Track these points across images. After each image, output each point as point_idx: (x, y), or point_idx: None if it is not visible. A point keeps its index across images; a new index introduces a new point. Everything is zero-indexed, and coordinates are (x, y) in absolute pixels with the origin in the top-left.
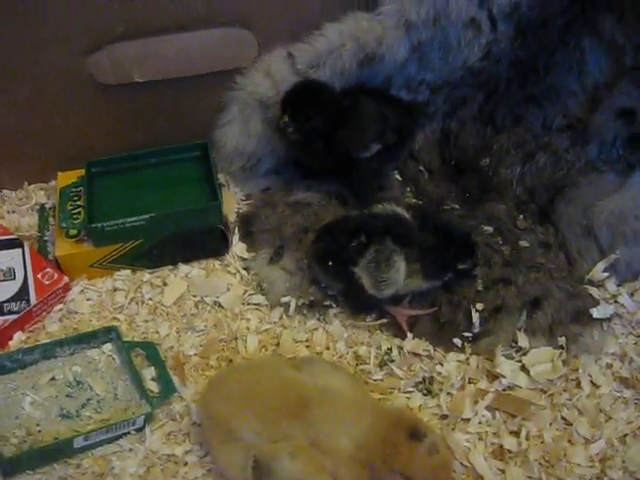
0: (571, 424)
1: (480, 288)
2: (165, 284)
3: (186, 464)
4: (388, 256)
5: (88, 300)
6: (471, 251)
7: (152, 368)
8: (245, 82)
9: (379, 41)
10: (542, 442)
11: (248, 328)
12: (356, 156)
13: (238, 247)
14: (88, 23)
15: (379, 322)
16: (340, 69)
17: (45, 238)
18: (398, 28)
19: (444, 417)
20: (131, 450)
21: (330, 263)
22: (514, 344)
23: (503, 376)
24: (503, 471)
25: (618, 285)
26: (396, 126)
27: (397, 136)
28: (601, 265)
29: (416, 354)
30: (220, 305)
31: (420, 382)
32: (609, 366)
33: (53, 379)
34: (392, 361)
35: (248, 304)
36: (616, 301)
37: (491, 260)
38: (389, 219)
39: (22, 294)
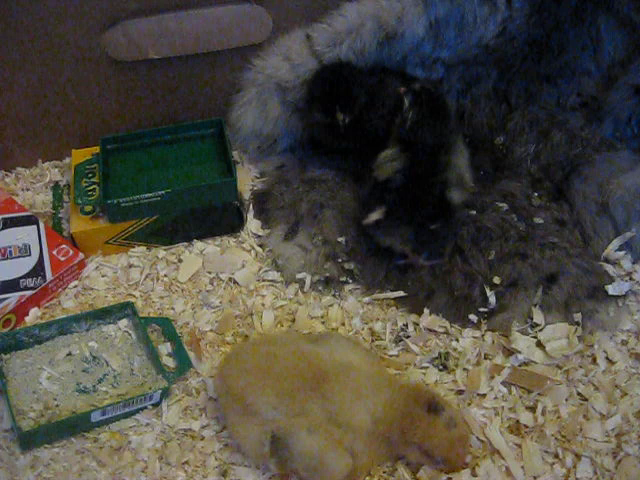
0: (587, 399)
1: (491, 257)
2: (180, 261)
3: (203, 439)
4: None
5: (103, 276)
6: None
7: (168, 344)
8: (263, 65)
9: (399, 19)
10: (558, 417)
11: (263, 304)
12: (380, 135)
13: (253, 224)
14: None
15: (394, 295)
16: (360, 49)
17: (59, 215)
18: (417, 4)
19: (460, 392)
20: (148, 425)
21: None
22: (529, 320)
23: (519, 352)
24: (519, 446)
25: (633, 262)
26: None
27: None
28: (616, 242)
29: (432, 330)
30: (235, 282)
31: (436, 358)
32: (624, 342)
33: (69, 354)
34: (408, 337)
35: (263, 280)
36: (631, 278)
37: (507, 234)
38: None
39: (38, 270)
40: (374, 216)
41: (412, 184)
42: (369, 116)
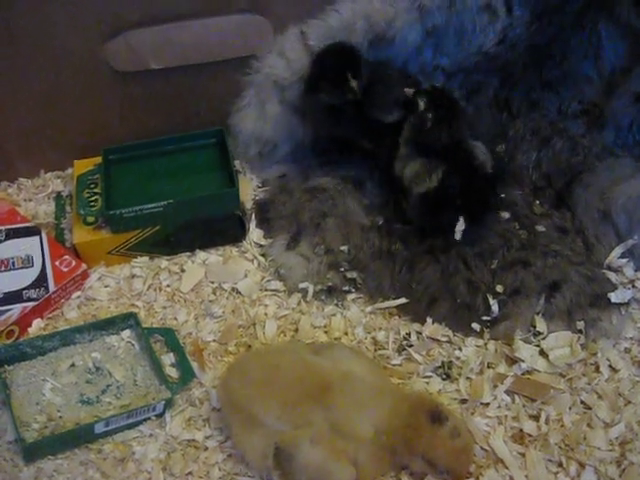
0: (590, 408)
1: (494, 266)
2: (183, 271)
3: (206, 449)
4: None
5: (106, 287)
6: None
7: (171, 354)
8: (260, 65)
9: (389, 23)
10: (562, 426)
11: (266, 314)
12: (382, 119)
13: (255, 233)
14: (104, 10)
15: (397, 303)
16: None
17: (62, 226)
18: (411, 11)
19: (463, 401)
20: (151, 435)
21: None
22: (532, 328)
23: (522, 360)
24: (523, 455)
25: (636, 270)
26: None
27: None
28: (618, 250)
29: (435, 339)
30: (238, 291)
31: (439, 367)
32: (627, 350)
33: (73, 365)
34: (411, 346)
35: (266, 290)
36: (634, 286)
37: (509, 243)
38: None
39: (40, 281)
40: (460, 227)
41: (466, 182)
42: (369, 94)
